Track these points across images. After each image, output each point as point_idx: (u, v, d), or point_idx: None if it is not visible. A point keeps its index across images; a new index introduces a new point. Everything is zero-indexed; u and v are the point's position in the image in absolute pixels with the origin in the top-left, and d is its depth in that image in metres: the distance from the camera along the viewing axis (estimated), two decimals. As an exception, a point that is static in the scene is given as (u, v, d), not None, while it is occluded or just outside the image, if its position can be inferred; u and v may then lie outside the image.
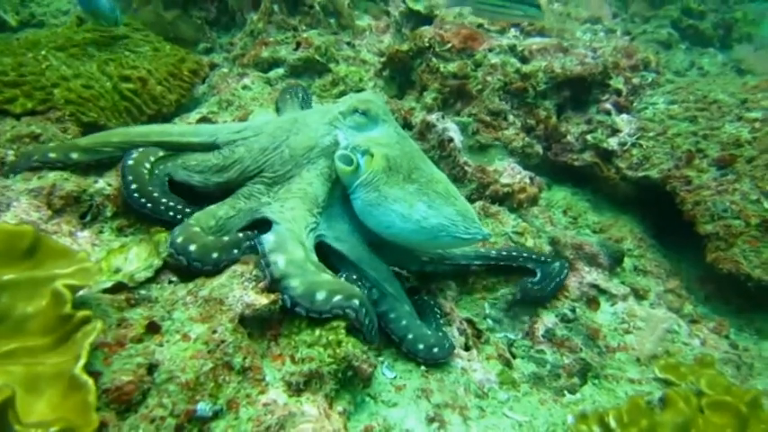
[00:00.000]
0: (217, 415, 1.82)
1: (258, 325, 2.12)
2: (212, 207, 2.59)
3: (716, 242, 3.58)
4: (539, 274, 3.08)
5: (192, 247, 2.27)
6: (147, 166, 2.68)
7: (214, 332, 1.94)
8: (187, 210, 2.57)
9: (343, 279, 2.41)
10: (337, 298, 2.17)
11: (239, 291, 2.09)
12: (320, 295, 2.16)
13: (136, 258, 2.29)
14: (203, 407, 1.79)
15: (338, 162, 2.60)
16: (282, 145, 2.74)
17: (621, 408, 2.35)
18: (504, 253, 3.18)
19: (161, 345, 1.92)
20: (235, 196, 2.68)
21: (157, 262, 2.27)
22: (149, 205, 2.54)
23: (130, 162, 2.65)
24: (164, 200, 2.58)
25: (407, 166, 2.58)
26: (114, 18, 3.95)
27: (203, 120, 3.81)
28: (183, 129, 3.21)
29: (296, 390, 1.96)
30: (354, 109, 2.72)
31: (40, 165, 2.65)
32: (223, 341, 1.92)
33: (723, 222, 3.59)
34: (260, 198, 2.65)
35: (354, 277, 2.52)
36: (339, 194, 2.71)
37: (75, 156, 2.73)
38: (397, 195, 2.50)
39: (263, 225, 2.51)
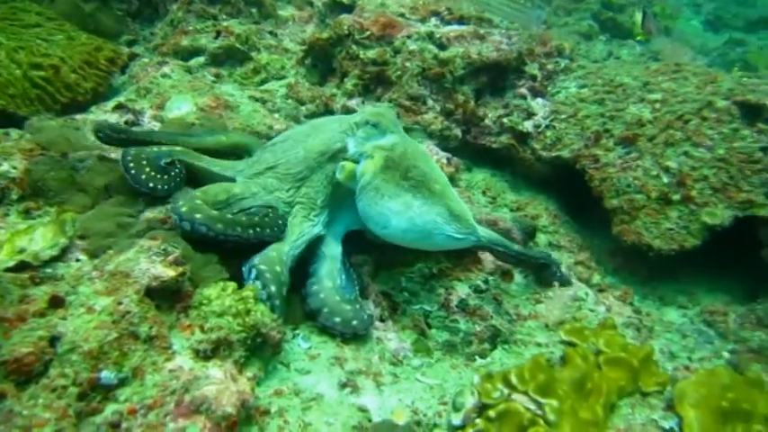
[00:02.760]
0: (123, 382, 1.84)
1: (166, 297, 2.14)
2: (227, 184, 2.79)
3: (621, 216, 3.80)
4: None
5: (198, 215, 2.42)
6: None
7: (119, 304, 1.96)
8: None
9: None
10: (259, 260, 2.44)
11: (146, 264, 2.11)
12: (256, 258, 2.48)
13: (41, 238, 2.27)
14: (107, 374, 1.81)
15: (338, 172, 2.81)
16: (299, 146, 2.96)
17: (524, 366, 2.48)
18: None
19: (64, 318, 1.93)
20: (251, 180, 2.88)
21: (63, 240, 2.26)
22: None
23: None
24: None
25: (405, 164, 2.75)
26: None
27: (119, 107, 3.75)
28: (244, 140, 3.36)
29: (203, 357, 2.00)
30: (366, 121, 2.91)
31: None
32: (128, 312, 1.95)
33: (627, 197, 3.81)
34: (271, 191, 2.84)
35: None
36: (338, 195, 2.93)
37: None
38: (392, 192, 2.67)
39: None
